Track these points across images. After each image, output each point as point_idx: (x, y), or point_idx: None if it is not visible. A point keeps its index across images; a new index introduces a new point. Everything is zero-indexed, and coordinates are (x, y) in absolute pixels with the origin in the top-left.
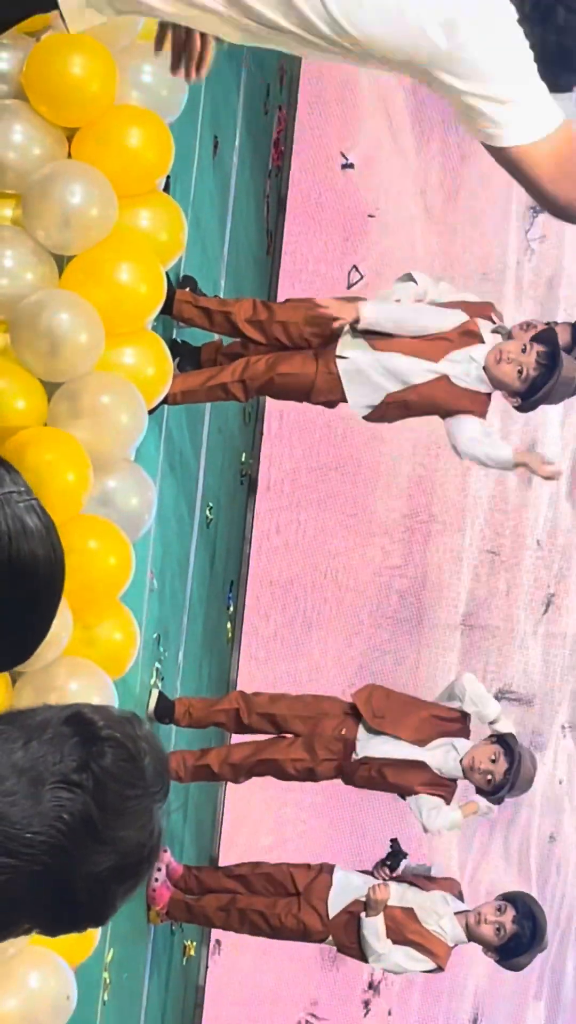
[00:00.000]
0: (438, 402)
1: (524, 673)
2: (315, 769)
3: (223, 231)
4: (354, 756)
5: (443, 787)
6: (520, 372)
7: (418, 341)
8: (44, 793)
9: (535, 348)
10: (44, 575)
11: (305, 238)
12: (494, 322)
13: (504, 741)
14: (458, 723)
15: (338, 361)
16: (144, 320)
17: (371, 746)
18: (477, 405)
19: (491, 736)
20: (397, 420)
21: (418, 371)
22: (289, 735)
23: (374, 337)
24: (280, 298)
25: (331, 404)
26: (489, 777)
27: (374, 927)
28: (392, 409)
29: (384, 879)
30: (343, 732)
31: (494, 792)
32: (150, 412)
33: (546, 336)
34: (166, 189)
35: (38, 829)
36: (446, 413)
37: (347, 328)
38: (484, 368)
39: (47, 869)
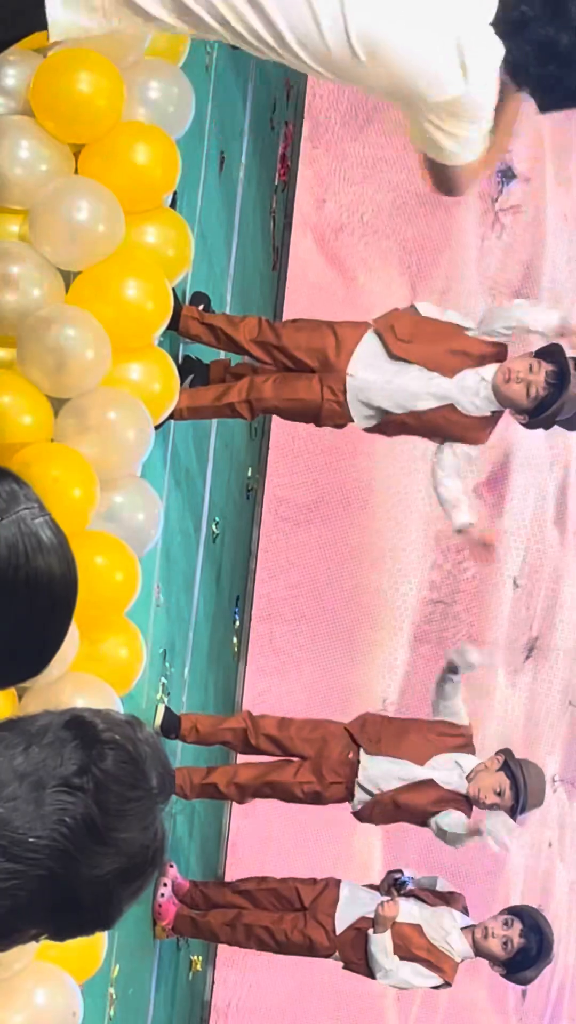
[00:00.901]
0: (438, 428)
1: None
2: (323, 793)
3: (229, 247)
4: (357, 788)
5: (456, 802)
6: (529, 391)
7: (440, 345)
8: (46, 797)
9: (543, 367)
10: (59, 590)
11: (312, 254)
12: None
13: (507, 767)
14: (460, 738)
15: (348, 379)
16: (151, 336)
17: (373, 766)
18: (477, 432)
19: (495, 756)
20: (396, 435)
21: (424, 396)
22: (296, 758)
23: (395, 339)
24: (287, 315)
25: (340, 426)
26: (499, 794)
27: (382, 944)
28: (391, 427)
29: (392, 897)
30: (350, 755)
31: (509, 814)
32: (156, 428)
33: (554, 354)
34: (172, 205)
35: (41, 833)
36: (445, 438)
37: (367, 337)
38: (494, 388)
39: (51, 873)
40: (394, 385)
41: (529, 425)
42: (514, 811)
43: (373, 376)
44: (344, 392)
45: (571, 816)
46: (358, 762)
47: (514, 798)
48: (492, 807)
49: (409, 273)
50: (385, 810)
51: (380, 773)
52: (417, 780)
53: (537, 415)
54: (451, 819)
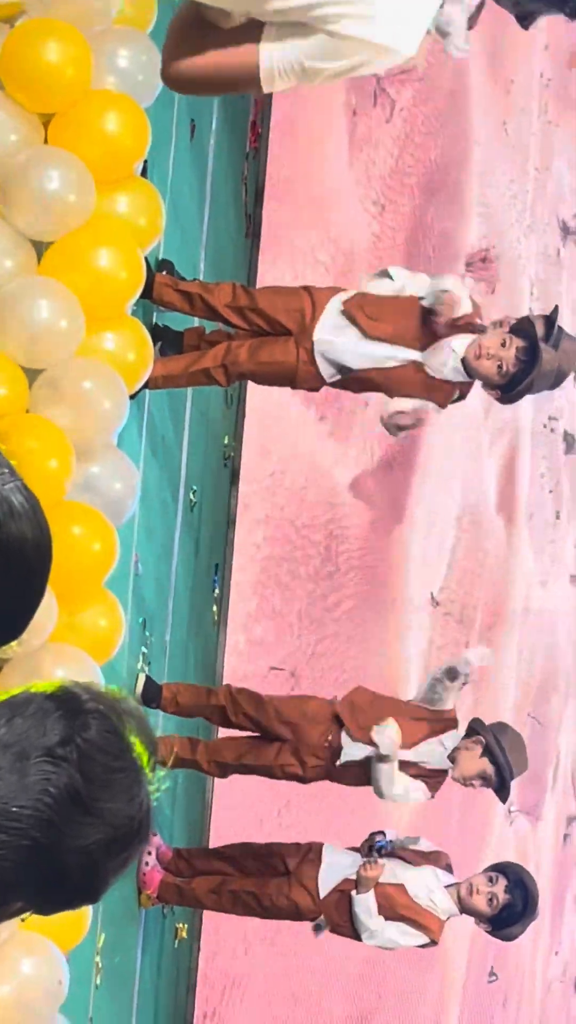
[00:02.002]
0: (402, 384)
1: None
2: (304, 775)
3: (201, 215)
4: (338, 763)
5: (428, 777)
6: (500, 368)
7: (407, 322)
8: (29, 767)
9: (514, 343)
10: (32, 555)
11: (284, 220)
12: (475, 327)
13: (489, 751)
14: (443, 722)
15: (315, 343)
16: (124, 305)
17: (355, 751)
18: (438, 395)
19: (475, 738)
20: (361, 391)
21: (392, 359)
22: (276, 738)
23: (366, 318)
24: (260, 283)
25: (315, 389)
26: (483, 776)
27: (366, 904)
28: (355, 383)
29: (373, 859)
30: (329, 739)
31: (498, 789)
32: (131, 397)
33: (524, 330)
34: (143, 173)
35: (24, 803)
36: (408, 395)
37: (330, 310)
38: (463, 362)
39: (36, 844)
40: (361, 348)
41: (501, 400)
42: (502, 787)
43: (341, 339)
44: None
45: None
46: (339, 745)
47: (498, 775)
48: (480, 784)
49: (382, 237)
50: (356, 773)
51: (362, 756)
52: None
53: (509, 391)
54: (412, 787)
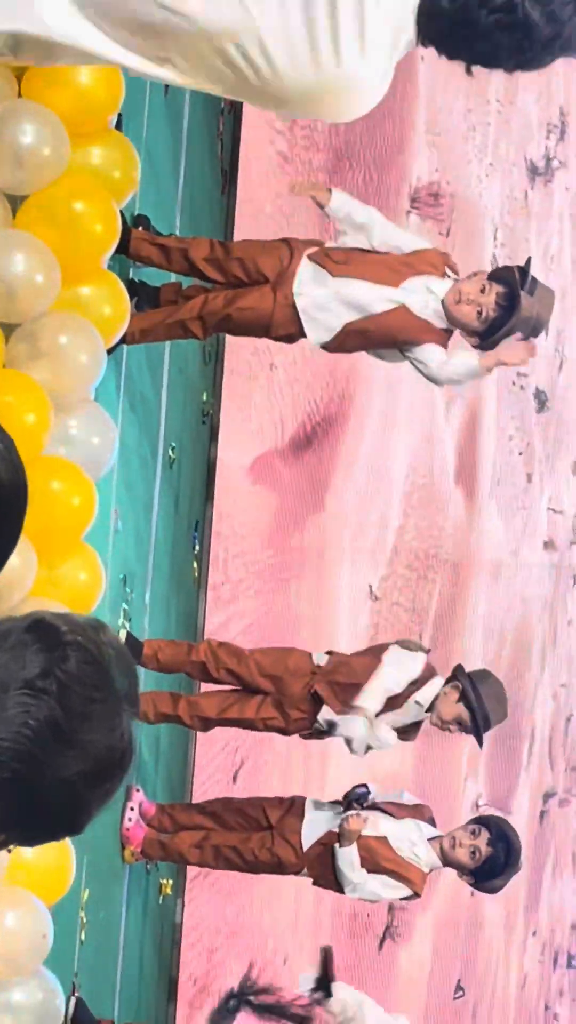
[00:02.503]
0: (395, 332)
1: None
2: (286, 728)
3: (177, 170)
4: (317, 718)
5: (403, 732)
6: (480, 313)
7: (377, 264)
8: (8, 700)
9: (494, 288)
10: (7, 495)
11: (260, 176)
12: (448, 275)
13: (464, 697)
14: (419, 680)
15: (296, 299)
16: (100, 259)
17: (329, 718)
18: (436, 336)
19: (453, 683)
20: (356, 350)
21: (376, 300)
22: (258, 691)
23: (333, 263)
24: (237, 238)
25: (291, 339)
26: (459, 722)
27: (349, 857)
28: (351, 338)
29: (356, 812)
30: (312, 691)
31: (475, 735)
32: (108, 351)
33: (504, 276)
34: (118, 127)
35: (4, 736)
36: (405, 344)
37: (303, 263)
38: (443, 306)
39: (16, 776)
40: (343, 294)
41: (480, 347)
42: (479, 732)
43: (320, 291)
44: (297, 307)
45: None
46: (320, 697)
47: (473, 721)
48: (457, 730)
49: (359, 193)
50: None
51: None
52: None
53: (487, 337)
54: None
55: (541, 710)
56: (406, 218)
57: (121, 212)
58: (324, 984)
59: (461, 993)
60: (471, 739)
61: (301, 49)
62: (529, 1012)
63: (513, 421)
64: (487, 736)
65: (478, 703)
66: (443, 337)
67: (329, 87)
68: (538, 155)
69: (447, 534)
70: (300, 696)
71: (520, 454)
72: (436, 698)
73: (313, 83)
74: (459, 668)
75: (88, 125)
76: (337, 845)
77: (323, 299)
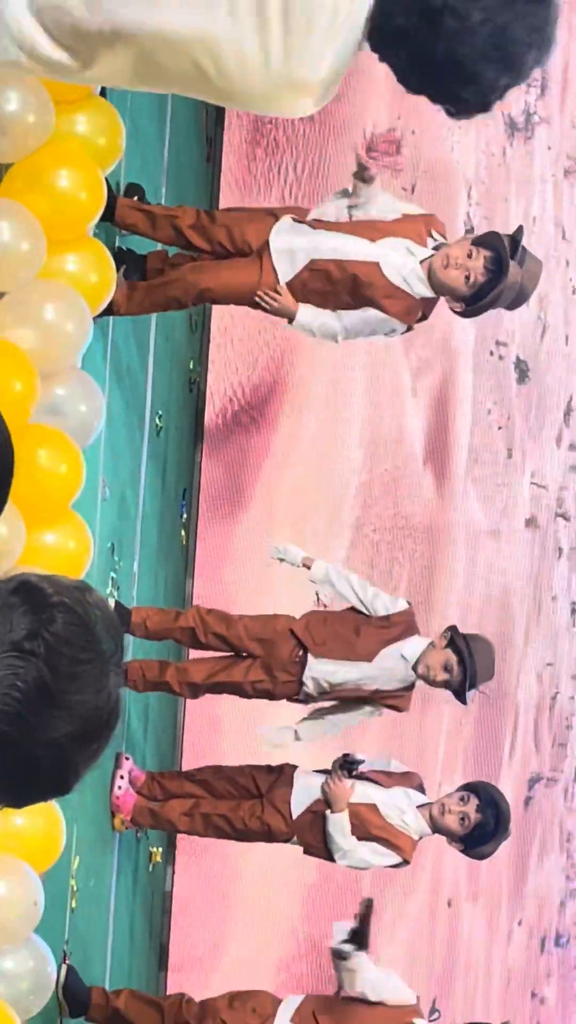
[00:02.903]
0: (360, 283)
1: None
2: (274, 691)
3: (162, 138)
4: (304, 684)
5: (396, 698)
6: (468, 278)
7: (360, 224)
8: None
9: (482, 253)
10: None
11: (245, 144)
12: (434, 237)
13: (453, 642)
14: (399, 626)
15: (271, 240)
16: (85, 227)
17: (318, 669)
18: (400, 306)
19: (442, 634)
20: (317, 293)
21: (352, 251)
22: (246, 655)
23: (315, 221)
24: (221, 205)
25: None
26: (447, 680)
27: (340, 824)
28: (315, 278)
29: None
30: (299, 654)
31: (459, 692)
32: (95, 319)
33: (492, 241)
34: (102, 94)
35: None
36: (363, 301)
37: (284, 218)
38: (430, 274)
39: (5, 737)
40: (319, 242)
41: (465, 313)
42: (463, 686)
43: (298, 238)
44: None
45: None
46: (307, 660)
47: (462, 673)
48: (443, 684)
49: (345, 158)
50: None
51: (326, 672)
52: (359, 679)
53: (474, 303)
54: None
55: (525, 692)
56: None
57: (107, 179)
58: (360, 937)
59: (437, 1014)
60: (452, 727)
61: (252, 57)
62: (515, 1003)
63: (492, 394)
64: (471, 704)
65: (469, 654)
66: (411, 313)
67: (281, 92)
68: (517, 109)
69: (416, 519)
70: (288, 659)
71: (500, 428)
72: (424, 652)
73: (265, 88)
74: (451, 627)
75: (72, 92)
76: (328, 812)
77: (298, 244)
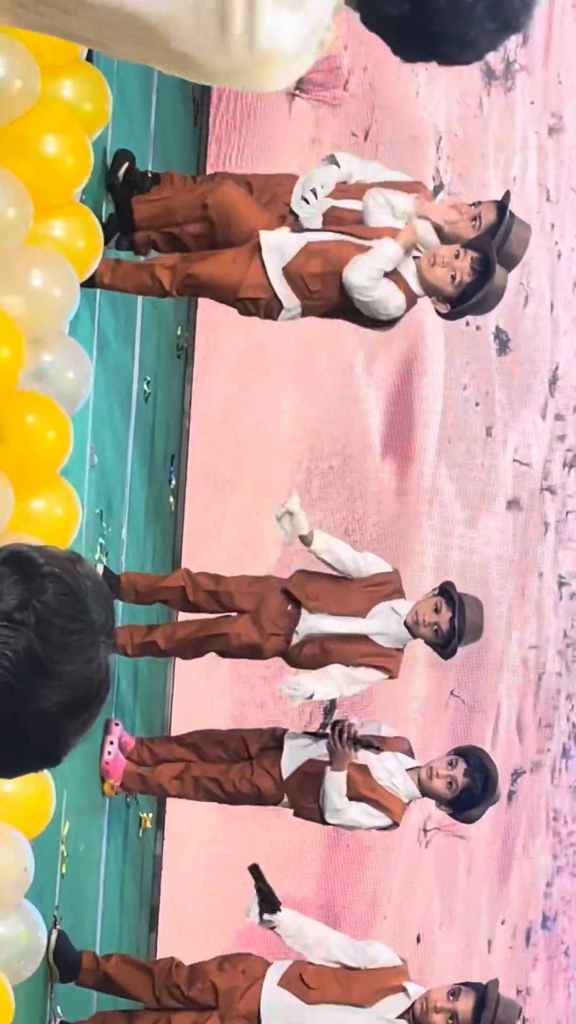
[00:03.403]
0: (346, 255)
1: None
2: (262, 645)
3: (149, 102)
4: (295, 635)
5: (386, 657)
6: (453, 278)
7: (355, 228)
8: None
9: (469, 254)
10: None
11: (232, 107)
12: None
13: (445, 591)
14: (389, 584)
15: (262, 240)
16: (72, 192)
17: (312, 623)
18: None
19: (432, 590)
20: (315, 276)
21: (347, 245)
22: (235, 613)
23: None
24: (210, 170)
25: (256, 306)
26: (436, 628)
27: (338, 782)
28: (311, 260)
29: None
30: (289, 608)
31: (445, 644)
32: (82, 285)
33: (481, 244)
34: (89, 58)
35: None
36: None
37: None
38: (417, 271)
39: None
40: (311, 233)
41: (450, 315)
42: (450, 639)
43: (290, 236)
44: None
45: None
46: (298, 615)
47: (451, 611)
48: (432, 629)
49: (334, 122)
50: (312, 653)
51: (319, 625)
52: (352, 632)
53: (459, 304)
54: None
55: (507, 681)
56: (290, 101)
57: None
58: (269, 901)
59: None
60: (430, 720)
61: (213, 36)
62: None
63: (468, 368)
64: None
65: (460, 603)
66: (405, 288)
67: (245, 69)
68: (495, 56)
69: (376, 537)
70: (278, 611)
71: (477, 405)
72: (416, 603)
73: (229, 66)
74: (447, 582)
75: (59, 57)
76: (328, 769)
77: (290, 238)
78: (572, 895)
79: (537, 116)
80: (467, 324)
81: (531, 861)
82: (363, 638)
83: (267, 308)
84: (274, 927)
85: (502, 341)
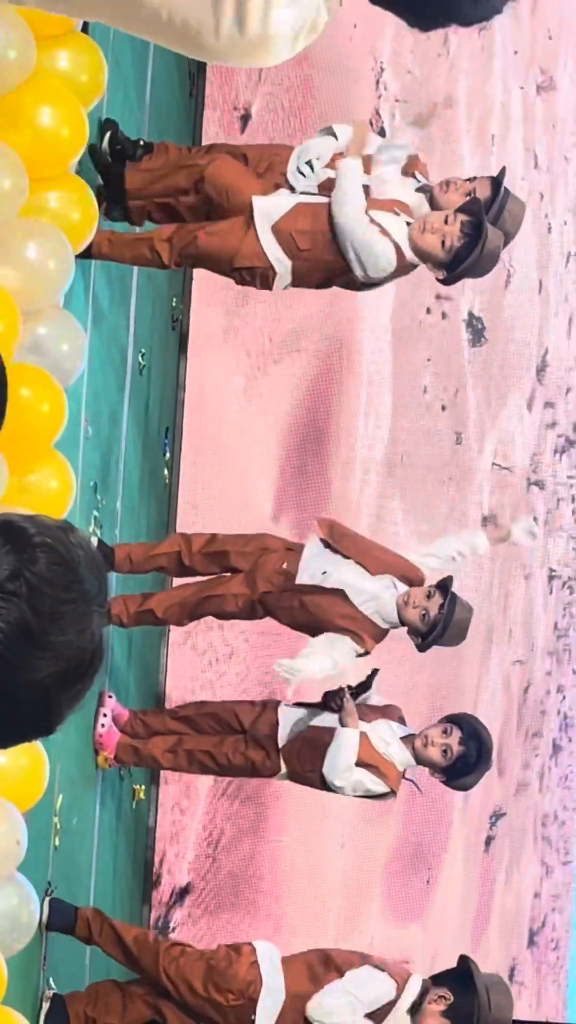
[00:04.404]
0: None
1: None
2: (252, 598)
3: (144, 74)
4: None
5: (363, 624)
6: (443, 243)
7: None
8: None
9: (459, 218)
10: None
11: (228, 78)
12: (417, 179)
13: (442, 583)
14: (404, 573)
15: (255, 205)
16: (67, 164)
17: (317, 560)
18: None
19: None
20: (304, 234)
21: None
22: (228, 574)
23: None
24: (204, 140)
25: (252, 275)
26: (424, 613)
27: (352, 740)
28: (301, 216)
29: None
30: (284, 566)
31: (428, 632)
32: (77, 257)
33: (471, 206)
34: (84, 30)
35: None
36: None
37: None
38: (409, 239)
39: None
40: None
41: (446, 281)
42: (434, 627)
43: (284, 200)
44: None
45: None
46: (294, 574)
47: (442, 600)
48: (419, 612)
49: (330, 97)
50: (289, 605)
51: (319, 570)
52: (331, 587)
53: (452, 269)
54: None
55: (484, 712)
56: None
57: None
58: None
59: None
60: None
61: (206, 19)
62: None
63: (431, 365)
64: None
65: (453, 597)
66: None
67: (242, 50)
68: None
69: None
70: (272, 569)
71: (443, 409)
72: (410, 590)
73: (226, 47)
74: (447, 577)
75: (54, 28)
76: (340, 725)
77: (280, 200)
78: (562, 888)
79: (523, 69)
80: (428, 312)
81: (514, 892)
82: (340, 593)
83: (263, 277)
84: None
85: (476, 330)
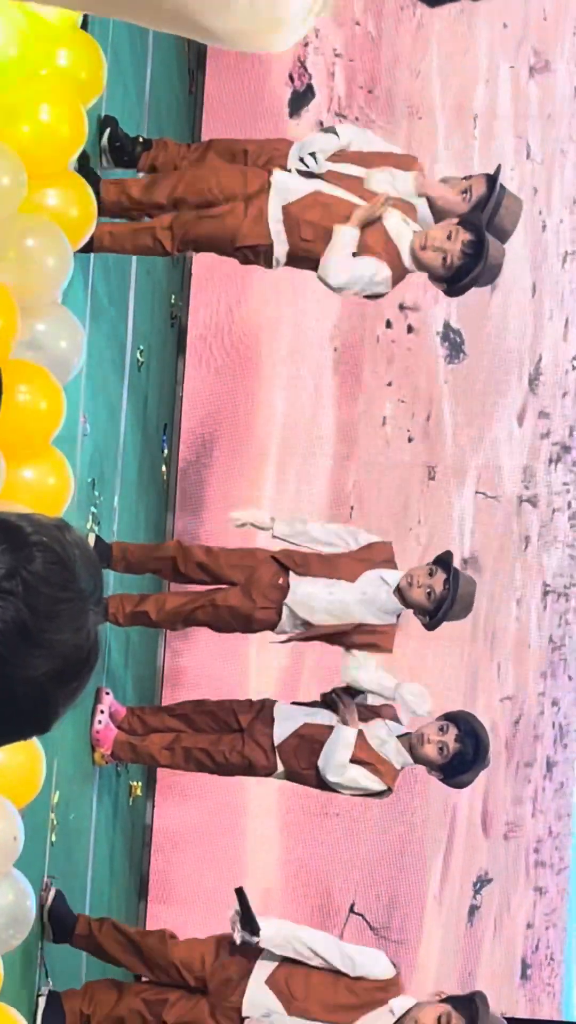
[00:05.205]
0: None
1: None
2: (252, 615)
3: (143, 70)
4: (284, 608)
5: (377, 635)
6: (445, 260)
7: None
8: None
9: (461, 236)
10: None
11: (227, 75)
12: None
13: (441, 559)
14: (381, 553)
15: (273, 178)
16: (66, 161)
17: (301, 591)
18: (396, 266)
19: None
20: (310, 222)
21: (352, 205)
22: (226, 585)
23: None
24: (204, 137)
25: (255, 254)
26: (429, 590)
27: (349, 738)
28: (314, 207)
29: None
30: (280, 580)
31: (437, 609)
32: (82, 251)
33: (472, 223)
34: (84, 27)
35: None
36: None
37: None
38: (411, 252)
39: None
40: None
41: (449, 293)
42: (442, 602)
43: (301, 183)
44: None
45: None
46: (288, 586)
47: (446, 575)
48: (424, 591)
49: (329, 90)
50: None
51: (308, 595)
52: (341, 622)
53: (454, 283)
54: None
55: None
56: None
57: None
58: (249, 923)
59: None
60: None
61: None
62: None
63: (393, 391)
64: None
65: (456, 572)
66: (394, 258)
67: (249, 32)
68: None
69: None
70: (269, 583)
71: (410, 441)
72: (409, 570)
73: (232, 28)
74: (446, 552)
75: (54, 27)
76: (338, 723)
77: (300, 181)
78: (556, 898)
79: (513, 46)
80: (388, 326)
81: (504, 945)
82: (354, 628)
83: (266, 256)
84: (257, 942)
85: (454, 344)
